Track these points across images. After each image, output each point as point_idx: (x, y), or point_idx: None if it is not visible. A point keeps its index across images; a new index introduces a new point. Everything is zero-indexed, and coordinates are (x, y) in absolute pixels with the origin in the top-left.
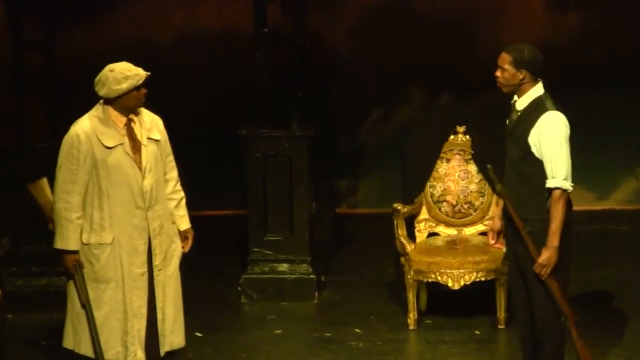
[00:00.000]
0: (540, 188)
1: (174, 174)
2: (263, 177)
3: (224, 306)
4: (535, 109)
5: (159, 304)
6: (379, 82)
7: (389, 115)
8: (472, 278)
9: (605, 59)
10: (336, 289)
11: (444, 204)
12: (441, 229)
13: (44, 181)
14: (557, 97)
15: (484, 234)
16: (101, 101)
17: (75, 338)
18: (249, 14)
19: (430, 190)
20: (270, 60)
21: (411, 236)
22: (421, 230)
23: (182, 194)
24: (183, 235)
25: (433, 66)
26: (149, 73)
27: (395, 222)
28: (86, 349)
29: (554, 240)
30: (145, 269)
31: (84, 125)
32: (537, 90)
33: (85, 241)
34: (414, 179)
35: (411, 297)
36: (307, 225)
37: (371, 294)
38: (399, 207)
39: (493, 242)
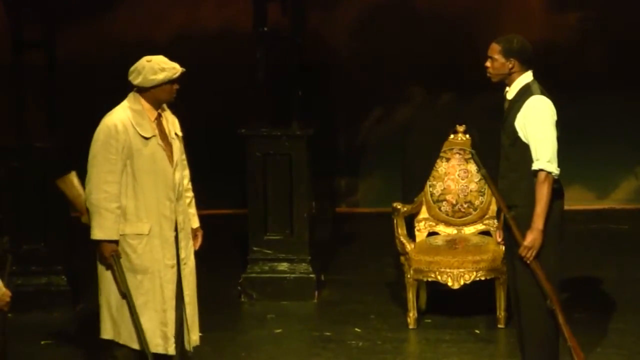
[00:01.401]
0: (528, 174)
1: (187, 172)
2: (263, 176)
3: (223, 305)
4: (522, 95)
5: (186, 299)
6: (378, 81)
7: (388, 114)
8: (472, 277)
9: (604, 59)
10: (336, 288)
11: (444, 203)
12: (441, 228)
13: (74, 175)
14: (557, 96)
15: (483, 233)
16: (133, 93)
17: (114, 328)
18: (248, 13)
19: (430, 189)
20: (270, 60)
21: (411, 235)
22: (421, 230)
23: (192, 192)
24: (193, 234)
25: (433, 65)
26: (184, 69)
27: (395, 221)
28: (126, 339)
29: (538, 222)
30: (175, 261)
31: (121, 116)
32: (526, 78)
33: (120, 232)
34: (413, 178)
35: (411, 296)
36: (307, 225)
37: (371, 293)
38: (398, 207)
39: (499, 239)
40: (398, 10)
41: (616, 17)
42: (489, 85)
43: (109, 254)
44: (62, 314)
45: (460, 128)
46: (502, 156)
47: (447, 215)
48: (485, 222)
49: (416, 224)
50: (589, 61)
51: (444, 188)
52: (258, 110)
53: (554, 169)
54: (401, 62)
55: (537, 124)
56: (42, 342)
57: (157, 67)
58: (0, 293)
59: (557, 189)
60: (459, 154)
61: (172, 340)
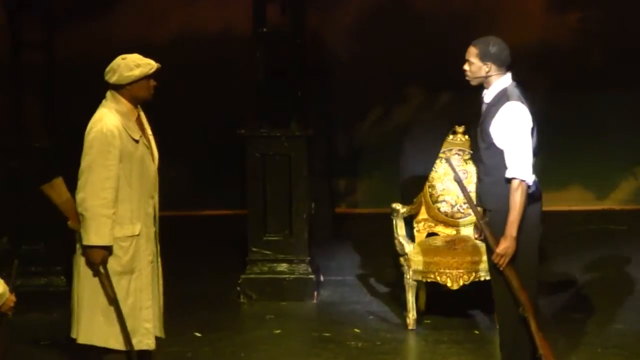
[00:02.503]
0: (502, 179)
1: None
2: (262, 177)
3: (223, 306)
4: (499, 100)
5: (160, 289)
6: (377, 81)
7: (388, 115)
8: (471, 278)
9: (604, 59)
10: (335, 288)
11: (443, 204)
12: (440, 229)
13: (60, 181)
14: (556, 97)
15: None
16: (111, 92)
17: (101, 334)
18: (248, 14)
19: (429, 190)
20: (269, 60)
21: (410, 236)
22: (420, 230)
23: None
24: None
25: (432, 66)
26: (159, 65)
27: (394, 222)
28: (115, 343)
29: (511, 230)
30: (153, 257)
31: (113, 120)
32: (504, 82)
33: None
34: (412, 179)
35: (410, 297)
36: (306, 225)
37: (370, 294)
38: (398, 207)
39: (477, 235)
40: (397, 11)
41: (616, 18)
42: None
43: (101, 260)
44: (61, 315)
45: (460, 129)
46: (477, 158)
47: (447, 216)
48: (483, 222)
49: (415, 225)
50: (588, 62)
51: (443, 189)
52: (257, 111)
53: (527, 176)
54: (400, 63)
55: (510, 131)
56: (42, 343)
57: (132, 64)
58: (5, 298)
59: (534, 192)
60: (458, 154)
61: (153, 334)
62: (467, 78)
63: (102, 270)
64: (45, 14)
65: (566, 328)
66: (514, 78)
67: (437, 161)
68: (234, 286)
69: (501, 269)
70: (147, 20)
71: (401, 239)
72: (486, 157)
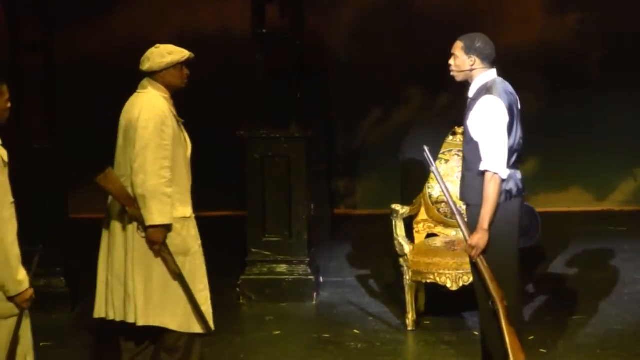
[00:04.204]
0: (479, 173)
1: None
2: (261, 178)
3: (222, 307)
4: (479, 94)
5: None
6: (377, 82)
7: (387, 115)
8: (471, 279)
9: (603, 60)
10: (335, 289)
11: (443, 204)
12: (440, 230)
13: (111, 170)
14: (555, 98)
15: None
16: (147, 80)
17: (157, 314)
18: (247, 15)
19: (429, 191)
20: (268, 61)
21: (410, 237)
22: (420, 231)
23: None
24: None
25: (431, 67)
26: (192, 54)
27: (393, 222)
28: (171, 322)
29: (483, 223)
30: (200, 242)
31: (163, 102)
32: (487, 76)
33: None
34: (412, 180)
35: (410, 298)
36: (305, 226)
37: (370, 295)
38: (397, 208)
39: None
40: (396, 12)
41: (615, 18)
42: None
43: (163, 238)
44: (60, 316)
45: (459, 130)
46: (462, 153)
47: (446, 216)
48: None
49: (415, 226)
50: (587, 63)
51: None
52: (256, 112)
53: (500, 169)
54: (400, 64)
55: (484, 124)
56: (41, 344)
57: (165, 51)
58: (24, 286)
59: (512, 189)
60: (458, 155)
61: (210, 317)
62: (452, 73)
63: (164, 248)
64: (44, 15)
65: (565, 329)
66: (512, 77)
67: (437, 162)
68: (233, 287)
69: (473, 260)
70: (147, 20)
71: (401, 240)
72: (466, 151)
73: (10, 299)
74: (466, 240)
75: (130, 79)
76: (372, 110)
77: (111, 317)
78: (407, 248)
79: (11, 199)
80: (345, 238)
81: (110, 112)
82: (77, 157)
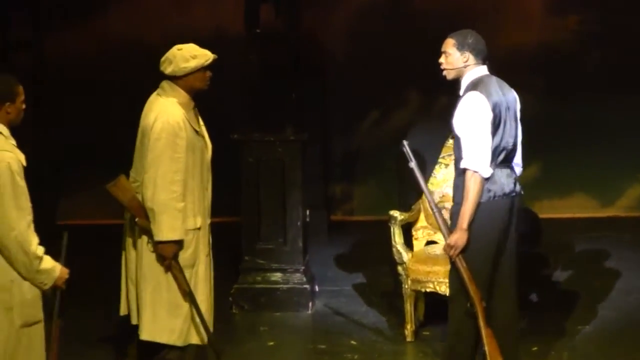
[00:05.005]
0: (461, 170)
1: None
2: (255, 183)
3: (214, 317)
4: (466, 91)
5: (211, 285)
6: (375, 84)
7: (385, 118)
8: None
9: (605, 61)
10: (331, 299)
11: (443, 210)
12: (440, 237)
13: (124, 178)
14: (556, 100)
15: None
16: (167, 83)
17: (181, 332)
18: (241, 14)
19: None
20: (263, 62)
21: (408, 244)
22: (419, 238)
23: None
24: None
25: (431, 68)
26: (215, 56)
27: (392, 229)
28: (177, 339)
29: (462, 221)
30: (209, 250)
31: (177, 111)
32: (477, 72)
33: None
34: (411, 185)
35: (409, 307)
36: (300, 233)
37: (367, 304)
38: (395, 214)
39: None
40: (395, 12)
41: (616, 20)
42: None
43: (173, 254)
44: (46, 324)
45: None
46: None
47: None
48: None
49: (414, 233)
50: (589, 64)
51: (443, 195)
52: (251, 115)
53: (479, 167)
54: (398, 65)
55: (464, 120)
56: None
57: (189, 55)
58: (57, 272)
59: (497, 189)
60: None
61: (208, 328)
62: (444, 72)
63: (174, 264)
64: (35, 13)
65: (568, 339)
66: (512, 79)
67: (436, 167)
68: (226, 296)
69: (452, 260)
70: (139, 20)
71: (399, 247)
72: (454, 150)
73: (53, 288)
74: (445, 240)
75: (124, 79)
76: (370, 112)
77: (133, 320)
78: (405, 256)
79: (30, 204)
80: (341, 245)
81: (102, 114)
82: (68, 160)
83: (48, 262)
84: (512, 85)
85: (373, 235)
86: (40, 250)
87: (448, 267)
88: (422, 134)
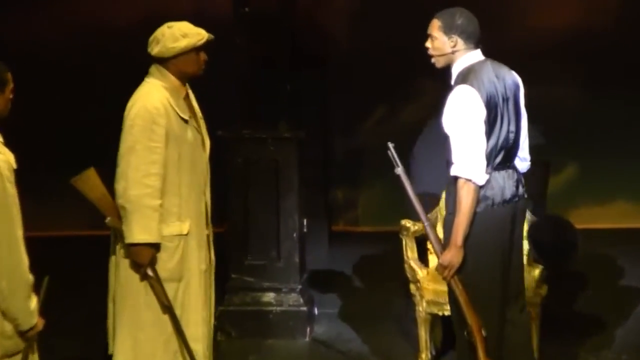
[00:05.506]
0: (453, 178)
1: None
2: (244, 187)
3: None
4: (457, 82)
5: (212, 307)
6: (382, 74)
7: (394, 113)
8: None
9: None
10: (332, 323)
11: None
12: None
13: (93, 172)
14: (596, 93)
15: None
16: (155, 66)
17: (142, 354)
18: None
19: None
20: (252, 47)
21: (423, 259)
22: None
23: None
24: None
25: None
26: (211, 35)
27: (403, 242)
28: None
29: (456, 237)
30: (207, 265)
31: (159, 96)
32: (469, 59)
33: None
34: (425, 191)
35: (423, 333)
36: (296, 246)
37: (374, 330)
38: (408, 225)
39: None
40: None
41: None
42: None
43: (149, 261)
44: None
45: None
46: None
47: None
48: None
49: (429, 246)
50: (632, 53)
51: None
52: (239, 109)
53: (472, 174)
54: (408, 52)
55: (453, 120)
56: None
57: (179, 33)
58: (34, 319)
59: (495, 195)
60: None
61: (203, 356)
62: (432, 59)
63: (150, 273)
64: None
65: None
66: (544, 69)
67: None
68: None
69: (445, 281)
70: (109, 1)
71: (412, 263)
72: (445, 150)
73: (21, 333)
74: (438, 258)
75: (93, 69)
76: (377, 107)
77: (110, 348)
78: (420, 273)
79: (20, 216)
80: (344, 260)
81: (70, 107)
82: (29, 146)
83: (33, 303)
84: (543, 75)
85: (381, 249)
86: (31, 282)
87: None
88: (436, 132)
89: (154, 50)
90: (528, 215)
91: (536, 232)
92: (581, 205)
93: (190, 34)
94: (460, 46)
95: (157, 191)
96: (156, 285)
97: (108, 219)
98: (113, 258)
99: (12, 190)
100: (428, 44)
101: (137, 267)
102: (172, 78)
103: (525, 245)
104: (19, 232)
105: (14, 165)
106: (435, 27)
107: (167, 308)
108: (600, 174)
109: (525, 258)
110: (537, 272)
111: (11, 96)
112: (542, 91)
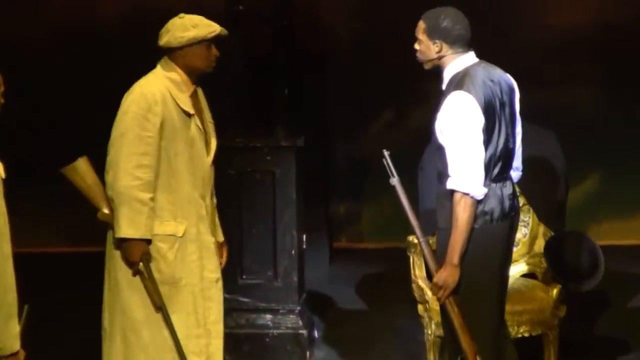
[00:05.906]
0: (448, 191)
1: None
2: (237, 200)
3: None
4: (449, 88)
5: (220, 321)
6: (388, 75)
7: (400, 118)
8: (513, 333)
9: None
10: (333, 346)
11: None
12: None
13: (85, 160)
14: (621, 94)
15: (528, 275)
16: (165, 59)
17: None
18: None
19: None
20: (247, 48)
21: (432, 279)
22: None
23: (215, 198)
24: (218, 249)
25: None
26: (224, 30)
27: (411, 259)
28: None
29: (452, 256)
30: (219, 275)
31: (158, 84)
32: (461, 63)
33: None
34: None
35: (432, 357)
36: (295, 264)
37: (379, 354)
38: (415, 241)
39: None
40: None
41: None
42: (532, 77)
43: (139, 257)
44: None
45: None
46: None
47: None
48: (529, 261)
49: None
50: None
51: None
52: (232, 114)
53: (470, 188)
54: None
55: (449, 129)
56: None
57: (189, 23)
58: (18, 346)
59: (494, 209)
60: None
61: None
62: (420, 61)
63: (145, 270)
64: None
65: None
66: (564, 69)
67: None
68: None
69: (440, 302)
70: None
71: (420, 282)
72: (437, 160)
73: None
74: (432, 277)
75: (70, 66)
76: (383, 111)
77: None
78: (429, 293)
79: (8, 230)
80: (346, 279)
81: (52, 108)
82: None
83: (16, 328)
84: (564, 75)
85: (386, 267)
86: (15, 298)
87: None
88: None
89: (162, 40)
90: (546, 231)
91: (554, 248)
92: (603, 220)
93: (201, 25)
94: (447, 51)
95: (148, 184)
96: (148, 284)
97: (99, 214)
98: (108, 253)
99: (0, 202)
100: (416, 46)
101: (129, 263)
102: (179, 71)
103: (543, 262)
104: (6, 248)
105: (3, 175)
106: (421, 30)
107: (159, 307)
108: (623, 185)
109: (541, 276)
110: (555, 291)
111: (2, 100)
112: (562, 93)
